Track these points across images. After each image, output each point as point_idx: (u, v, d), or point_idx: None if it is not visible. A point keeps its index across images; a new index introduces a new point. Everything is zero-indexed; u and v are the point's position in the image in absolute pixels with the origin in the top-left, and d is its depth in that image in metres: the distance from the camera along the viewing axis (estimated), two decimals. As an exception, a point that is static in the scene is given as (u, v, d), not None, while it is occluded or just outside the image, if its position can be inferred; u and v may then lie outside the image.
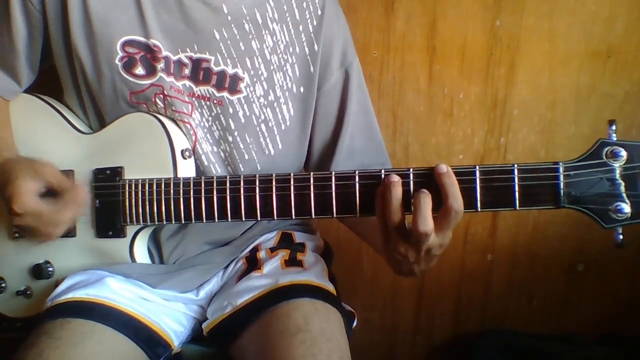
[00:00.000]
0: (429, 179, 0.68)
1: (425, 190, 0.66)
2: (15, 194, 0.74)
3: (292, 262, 0.89)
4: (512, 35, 1.24)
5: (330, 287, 0.85)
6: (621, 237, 0.64)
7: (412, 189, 0.69)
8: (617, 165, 0.64)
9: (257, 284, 0.84)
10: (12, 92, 0.91)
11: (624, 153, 0.63)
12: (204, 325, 0.86)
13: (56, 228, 0.78)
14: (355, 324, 0.91)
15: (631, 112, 1.23)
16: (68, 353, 0.70)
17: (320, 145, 0.95)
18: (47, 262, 0.88)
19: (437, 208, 0.67)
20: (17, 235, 0.89)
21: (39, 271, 0.87)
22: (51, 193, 0.78)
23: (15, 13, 0.84)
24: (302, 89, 0.91)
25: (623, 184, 0.64)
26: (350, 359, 0.76)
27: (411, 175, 0.69)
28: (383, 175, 0.70)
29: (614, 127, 0.65)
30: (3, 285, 0.90)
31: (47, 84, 0.95)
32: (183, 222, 0.80)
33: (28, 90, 0.93)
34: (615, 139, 0.65)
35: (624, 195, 0.64)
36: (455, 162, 1.32)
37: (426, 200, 0.66)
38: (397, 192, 0.67)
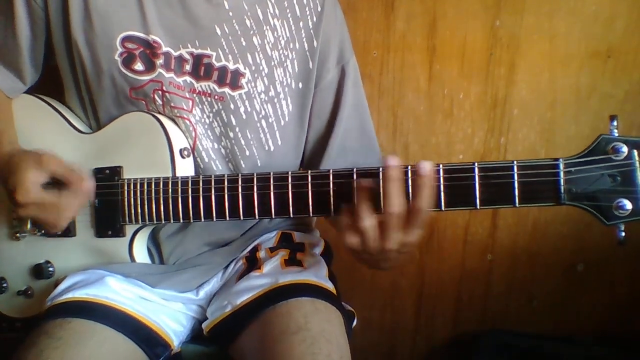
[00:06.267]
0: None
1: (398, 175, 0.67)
2: (19, 184, 0.74)
3: (292, 261, 0.89)
4: (512, 35, 1.24)
5: (330, 287, 0.85)
6: (623, 234, 0.64)
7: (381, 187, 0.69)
8: (619, 161, 0.63)
9: (257, 283, 0.84)
10: (16, 90, 0.92)
11: (625, 149, 0.62)
12: (204, 325, 0.86)
13: (60, 218, 0.78)
14: (355, 323, 0.91)
15: (631, 112, 1.23)
16: (68, 353, 0.70)
17: (313, 141, 0.96)
18: (47, 262, 0.88)
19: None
20: (18, 235, 0.89)
21: (39, 271, 0.87)
22: (56, 183, 0.77)
23: (18, 11, 0.84)
24: (300, 85, 0.91)
25: (624, 180, 0.63)
26: (350, 358, 0.76)
27: (380, 174, 0.69)
28: (355, 175, 0.70)
29: (615, 123, 0.64)
30: (4, 285, 0.90)
31: (47, 84, 0.95)
32: (182, 221, 0.80)
33: (28, 91, 0.94)
34: (616, 134, 0.64)
35: (626, 191, 0.62)
36: (455, 162, 1.31)
37: (398, 186, 0.66)
38: (368, 194, 0.68)
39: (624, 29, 1.20)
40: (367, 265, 0.76)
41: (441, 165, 0.68)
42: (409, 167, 0.68)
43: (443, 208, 0.68)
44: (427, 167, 0.65)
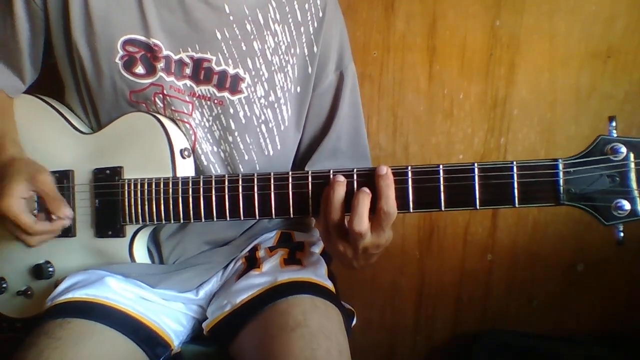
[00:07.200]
0: (371, 179, 0.69)
1: (365, 190, 0.68)
2: (5, 194, 0.76)
3: (291, 260, 0.89)
4: (512, 35, 1.24)
5: (329, 285, 0.85)
6: (622, 234, 0.64)
7: (355, 189, 0.70)
8: (617, 162, 0.63)
9: (256, 282, 0.84)
10: (16, 90, 0.92)
11: (624, 149, 0.63)
12: (204, 325, 0.86)
13: (30, 242, 0.80)
14: (354, 322, 0.91)
15: (631, 112, 1.23)
16: (68, 353, 0.70)
17: (306, 142, 0.96)
18: (47, 262, 0.88)
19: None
20: (17, 235, 0.89)
21: (39, 271, 0.87)
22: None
23: (18, 11, 0.84)
24: (299, 89, 0.91)
25: (623, 180, 0.63)
26: (350, 355, 0.76)
27: (355, 175, 0.71)
28: (355, 176, 0.71)
29: (614, 124, 0.64)
30: (4, 285, 0.90)
31: (47, 84, 0.95)
32: (182, 221, 0.80)
33: (28, 91, 0.94)
34: (615, 135, 0.64)
35: (624, 191, 0.63)
36: (455, 162, 1.32)
37: (364, 200, 0.67)
38: (340, 191, 0.69)
39: (624, 29, 1.20)
40: (341, 263, 0.78)
41: (441, 166, 0.68)
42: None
43: (443, 208, 0.69)
44: (384, 168, 0.68)
